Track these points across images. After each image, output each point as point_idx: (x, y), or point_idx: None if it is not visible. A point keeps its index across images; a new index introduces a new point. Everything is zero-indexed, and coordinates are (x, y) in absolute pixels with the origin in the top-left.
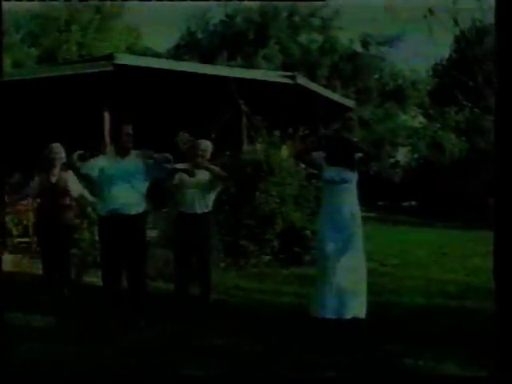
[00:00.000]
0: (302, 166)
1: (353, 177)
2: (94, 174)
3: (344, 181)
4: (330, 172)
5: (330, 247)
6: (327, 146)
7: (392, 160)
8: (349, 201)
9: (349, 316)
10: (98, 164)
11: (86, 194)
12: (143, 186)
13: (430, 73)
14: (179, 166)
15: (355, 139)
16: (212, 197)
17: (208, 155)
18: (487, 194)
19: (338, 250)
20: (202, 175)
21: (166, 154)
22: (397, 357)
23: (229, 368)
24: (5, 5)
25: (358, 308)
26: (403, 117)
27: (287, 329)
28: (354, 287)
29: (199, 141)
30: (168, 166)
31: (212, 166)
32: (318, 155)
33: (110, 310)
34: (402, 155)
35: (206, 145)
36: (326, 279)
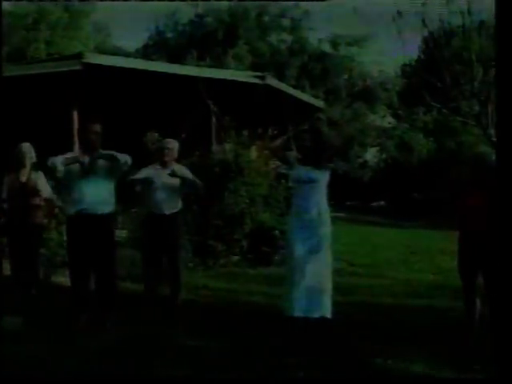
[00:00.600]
0: (272, 165)
1: (321, 176)
2: (62, 173)
3: (312, 180)
4: (299, 172)
5: (298, 247)
6: (297, 146)
7: (361, 160)
8: (317, 201)
9: (317, 315)
10: (65, 162)
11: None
12: (112, 186)
13: (399, 73)
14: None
15: (325, 138)
16: (181, 197)
17: (175, 154)
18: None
19: (306, 249)
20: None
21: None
22: (366, 356)
23: (197, 368)
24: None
25: (325, 307)
26: (372, 117)
27: (255, 328)
28: (322, 286)
29: (166, 140)
30: (124, 167)
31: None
32: (291, 154)
33: (78, 311)
34: (370, 155)
35: (173, 144)
36: (294, 279)
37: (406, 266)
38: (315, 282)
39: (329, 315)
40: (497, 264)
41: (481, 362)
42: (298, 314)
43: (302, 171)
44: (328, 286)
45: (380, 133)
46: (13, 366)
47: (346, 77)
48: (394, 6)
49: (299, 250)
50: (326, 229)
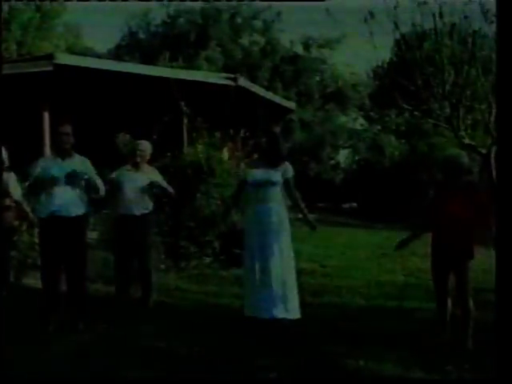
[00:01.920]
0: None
1: (278, 178)
2: (34, 175)
3: (269, 183)
4: (256, 174)
5: (256, 249)
6: (255, 147)
7: (333, 162)
8: (274, 202)
9: (281, 315)
10: (38, 165)
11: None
12: (84, 188)
13: (371, 75)
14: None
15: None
16: (151, 198)
17: (147, 156)
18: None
19: (265, 253)
20: (141, 177)
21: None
22: (337, 357)
23: (168, 370)
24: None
25: (290, 307)
26: (344, 119)
27: (226, 330)
28: (284, 288)
29: (138, 142)
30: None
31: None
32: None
33: (49, 313)
34: (342, 157)
35: (146, 146)
36: (253, 281)
37: (377, 267)
38: (276, 285)
39: (297, 315)
40: (468, 265)
41: (453, 362)
42: (263, 315)
43: (258, 173)
44: (291, 286)
45: (352, 134)
46: None
47: (318, 79)
48: (366, 8)
49: (257, 252)
50: (284, 231)
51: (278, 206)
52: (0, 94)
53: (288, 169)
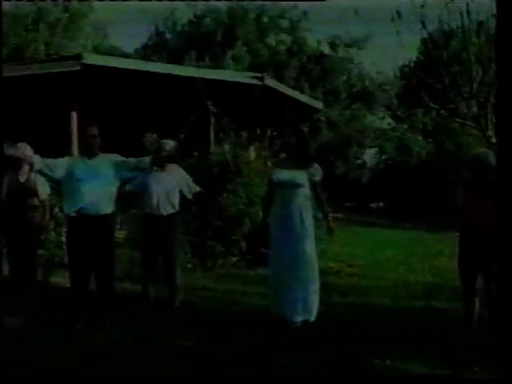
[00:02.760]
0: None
1: (303, 180)
2: (60, 174)
3: (294, 184)
4: (280, 174)
5: (280, 250)
6: (283, 146)
7: (359, 161)
8: (298, 204)
9: (302, 317)
10: (65, 164)
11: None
12: (112, 187)
13: (398, 74)
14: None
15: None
16: (178, 198)
17: (173, 156)
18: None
19: (288, 253)
20: (167, 177)
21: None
22: (364, 357)
23: (195, 369)
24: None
25: (310, 309)
26: (371, 118)
27: (253, 329)
28: (305, 289)
29: (163, 141)
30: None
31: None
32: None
33: (77, 311)
34: (369, 156)
35: (170, 145)
36: (277, 282)
37: (405, 267)
38: (298, 286)
39: (313, 317)
40: (497, 265)
41: (480, 362)
42: (287, 316)
43: (283, 174)
44: (313, 290)
45: (379, 134)
46: (12, 366)
47: (344, 78)
48: (393, 7)
49: (281, 254)
50: (308, 233)
51: (301, 208)
52: (0, 93)
53: (316, 171)
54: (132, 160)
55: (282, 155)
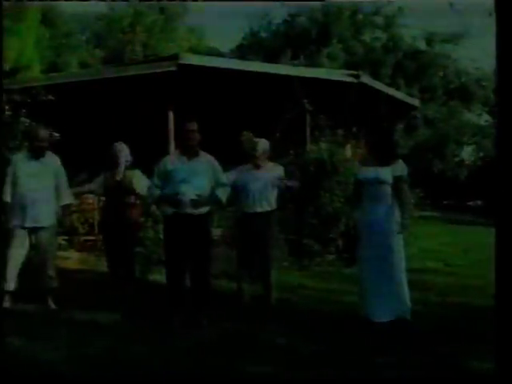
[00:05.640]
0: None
1: (387, 176)
2: (159, 172)
3: (378, 181)
4: (365, 172)
5: (367, 249)
6: (365, 144)
7: (457, 159)
8: (383, 202)
9: (392, 317)
10: (164, 164)
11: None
12: (208, 187)
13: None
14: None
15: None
16: (274, 196)
17: (267, 154)
18: None
19: (375, 252)
20: (263, 175)
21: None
22: (461, 357)
23: (291, 367)
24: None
25: (401, 307)
26: (468, 115)
27: (350, 328)
28: (393, 288)
29: (257, 140)
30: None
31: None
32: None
33: (174, 309)
34: (467, 154)
35: (263, 144)
36: (366, 281)
37: None
38: (385, 286)
39: (408, 316)
40: None
41: None
42: (377, 317)
43: (367, 171)
44: (401, 288)
45: (476, 131)
46: (108, 363)
47: (441, 74)
48: (490, 1)
49: (368, 253)
50: (395, 231)
51: (387, 206)
52: (0, 93)
53: (399, 167)
54: (223, 177)
55: (363, 152)
